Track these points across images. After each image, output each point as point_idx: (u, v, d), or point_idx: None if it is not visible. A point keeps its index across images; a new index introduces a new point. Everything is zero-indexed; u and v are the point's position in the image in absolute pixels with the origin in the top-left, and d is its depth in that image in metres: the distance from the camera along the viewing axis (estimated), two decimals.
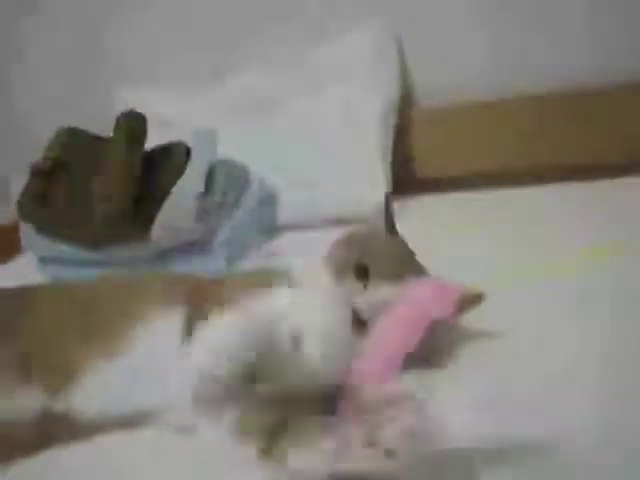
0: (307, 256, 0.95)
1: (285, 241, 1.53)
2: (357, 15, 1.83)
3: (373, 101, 1.71)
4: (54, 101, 2.22)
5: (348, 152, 1.64)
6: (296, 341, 0.78)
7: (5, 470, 0.75)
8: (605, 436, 0.66)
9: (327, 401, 0.74)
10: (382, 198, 1.54)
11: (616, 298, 0.97)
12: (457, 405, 0.68)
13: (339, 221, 1.56)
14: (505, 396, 0.73)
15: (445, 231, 1.29)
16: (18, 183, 1.38)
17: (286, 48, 1.86)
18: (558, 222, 1.34)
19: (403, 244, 0.95)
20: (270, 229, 1.60)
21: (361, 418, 0.64)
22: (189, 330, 0.81)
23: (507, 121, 1.73)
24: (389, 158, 1.70)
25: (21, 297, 0.91)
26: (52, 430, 0.78)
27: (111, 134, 1.38)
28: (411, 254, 0.94)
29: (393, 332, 0.80)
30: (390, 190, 1.63)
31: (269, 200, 1.61)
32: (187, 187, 1.37)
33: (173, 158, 1.42)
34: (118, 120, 1.38)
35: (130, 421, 0.79)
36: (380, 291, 0.85)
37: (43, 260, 1.46)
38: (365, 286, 0.86)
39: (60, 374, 0.79)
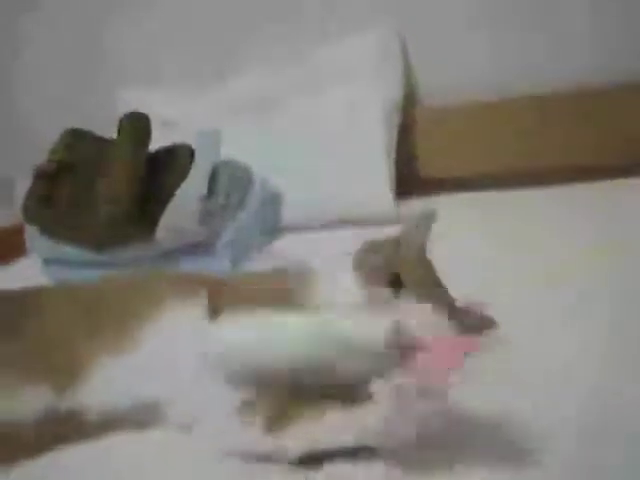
0: (326, 258, 0.94)
1: (289, 242, 1.54)
2: (360, 15, 1.83)
3: (376, 101, 1.71)
4: (56, 101, 2.22)
5: (351, 152, 1.64)
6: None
7: (8, 471, 0.76)
8: (601, 428, 0.67)
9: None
10: (387, 198, 1.59)
11: (616, 299, 0.97)
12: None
13: (342, 222, 1.57)
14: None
15: (448, 231, 1.29)
16: (22, 185, 1.39)
17: (289, 48, 1.86)
18: (560, 223, 1.34)
19: (432, 264, 0.92)
20: (274, 230, 1.61)
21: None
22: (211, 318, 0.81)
23: (510, 121, 1.73)
24: (393, 158, 1.70)
25: (26, 298, 0.91)
26: (57, 429, 0.78)
27: (114, 135, 1.39)
28: (438, 277, 0.91)
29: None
30: (394, 190, 1.63)
31: (272, 201, 1.61)
32: (191, 189, 1.37)
33: (177, 160, 1.42)
34: (122, 121, 1.38)
35: (137, 418, 0.80)
36: (411, 306, 0.82)
37: (47, 262, 1.47)
38: (397, 297, 0.83)
39: (66, 373, 0.79)
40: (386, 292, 0.83)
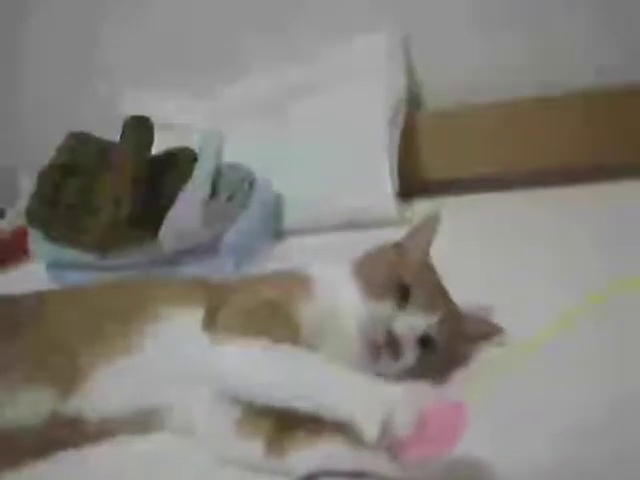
0: (326, 262, 0.93)
1: (291, 245, 1.53)
2: (364, 16, 1.83)
3: (379, 102, 1.70)
4: (57, 103, 2.22)
5: (354, 154, 1.64)
6: None
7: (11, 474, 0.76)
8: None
9: None
10: (390, 200, 1.59)
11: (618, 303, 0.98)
12: None
13: (345, 224, 1.56)
14: None
15: (451, 233, 1.29)
16: (26, 189, 1.39)
17: (292, 49, 1.86)
18: (562, 224, 1.34)
19: (436, 273, 0.91)
20: (276, 233, 1.61)
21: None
22: (209, 325, 0.81)
23: (513, 123, 1.72)
24: (395, 160, 1.70)
25: (28, 302, 0.92)
26: (59, 434, 0.78)
27: (117, 138, 1.39)
28: (440, 281, 0.90)
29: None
30: (397, 192, 1.63)
31: (275, 203, 1.61)
32: (193, 191, 1.37)
33: (180, 162, 1.42)
34: (125, 124, 1.39)
35: (137, 423, 0.80)
36: (417, 318, 0.82)
37: (51, 265, 1.47)
38: (403, 308, 0.82)
39: (67, 378, 0.79)
40: (390, 307, 0.82)
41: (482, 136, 1.76)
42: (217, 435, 0.76)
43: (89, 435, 0.79)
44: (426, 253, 0.91)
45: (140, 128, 1.37)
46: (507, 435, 0.71)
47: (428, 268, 0.90)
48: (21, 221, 1.64)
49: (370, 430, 0.62)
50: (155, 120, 1.44)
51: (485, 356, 0.89)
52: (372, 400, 0.65)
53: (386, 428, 0.62)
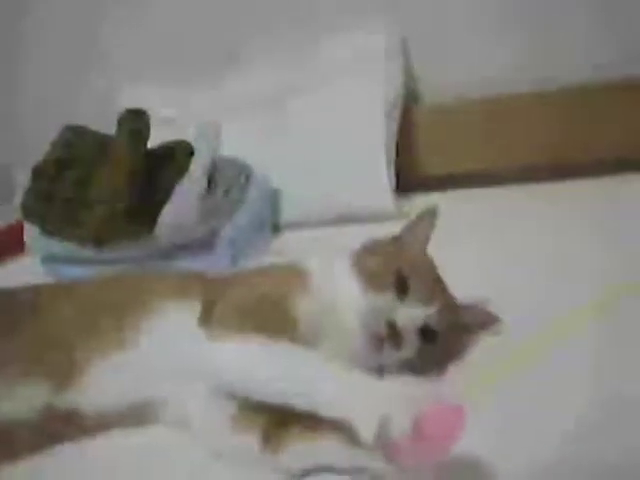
0: (323, 255, 0.93)
1: (288, 239, 1.53)
2: (362, 12, 1.82)
3: (377, 98, 1.70)
4: (54, 98, 2.21)
5: (351, 149, 1.63)
6: None
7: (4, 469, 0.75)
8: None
9: None
10: (387, 195, 1.59)
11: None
12: None
13: (342, 218, 1.56)
14: None
15: (448, 228, 1.30)
16: (21, 183, 1.38)
17: (290, 45, 1.85)
18: (560, 218, 1.34)
19: (434, 266, 0.91)
20: (273, 227, 1.60)
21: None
22: (205, 320, 0.81)
23: (511, 118, 1.72)
24: (393, 155, 1.70)
25: (24, 296, 0.91)
26: (55, 427, 0.78)
27: (113, 131, 1.39)
28: (438, 274, 0.90)
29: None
30: (394, 187, 1.62)
31: (272, 198, 1.61)
32: (190, 185, 1.37)
33: (176, 156, 1.42)
34: (121, 118, 1.38)
35: (133, 417, 0.80)
36: (416, 309, 0.82)
37: (46, 260, 1.46)
38: (402, 300, 0.83)
39: (63, 371, 0.79)
40: (390, 298, 0.82)
41: (479, 131, 1.76)
42: (212, 430, 0.76)
43: (85, 428, 0.79)
44: (424, 246, 0.91)
45: (136, 121, 1.36)
46: (506, 434, 0.71)
47: (426, 261, 0.91)
48: (17, 216, 1.63)
49: (366, 430, 0.62)
50: (152, 114, 1.43)
51: (484, 353, 0.89)
52: (369, 400, 0.64)
53: (383, 429, 0.61)
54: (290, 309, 0.81)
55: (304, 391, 0.68)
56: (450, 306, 0.87)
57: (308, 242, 1.45)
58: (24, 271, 1.47)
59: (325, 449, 0.69)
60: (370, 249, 0.91)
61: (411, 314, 0.82)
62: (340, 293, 0.85)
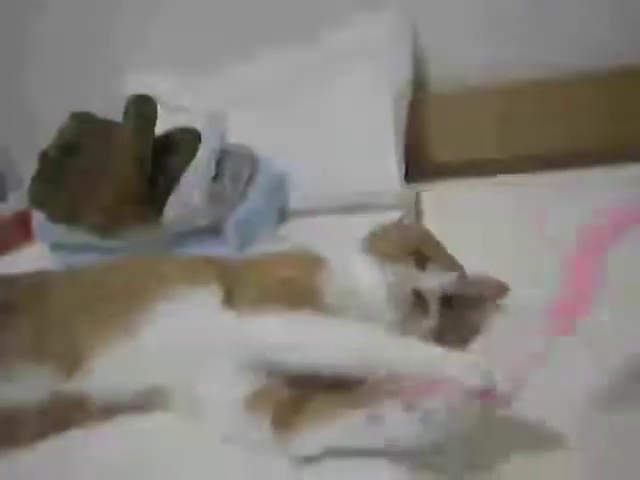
0: (333, 245, 0.93)
1: (296, 226, 1.52)
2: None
3: (386, 85, 1.69)
4: (63, 84, 2.21)
5: (360, 137, 1.63)
6: None
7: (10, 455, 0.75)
8: None
9: None
10: (396, 182, 1.58)
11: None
12: None
13: (350, 206, 1.55)
14: None
15: (455, 217, 1.29)
16: (28, 170, 1.38)
17: (297, 31, 1.83)
18: (567, 206, 1.32)
19: (439, 241, 0.95)
20: (281, 214, 1.60)
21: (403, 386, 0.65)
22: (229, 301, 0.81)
23: (520, 106, 1.70)
24: (402, 142, 1.68)
25: (31, 282, 0.91)
26: (61, 413, 0.78)
27: (121, 118, 1.38)
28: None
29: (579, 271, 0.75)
30: (403, 174, 1.61)
31: (280, 185, 1.60)
32: (198, 171, 1.37)
33: (184, 142, 1.41)
34: (128, 104, 1.37)
35: (141, 403, 0.79)
36: (437, 277, 0.85)
37: (55, 247, 1.46)
38: (422, 270, 0.86)
39: (70, 357, 0.79)
40: (411, 269, 0.86)
41: (489, 119, 1.75)
42: (224, 412, 0.75)
43: (91, 415, 0.79)
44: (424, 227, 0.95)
45: (144, 106, 1.35)
46: None
47: (433, 237, 0.94)
48: (24, 204, 1.63)
49: (472, 377, 0.64)
50: (160, 102, 1.42)
51: None
52: (461, 356, 0.69)
53: (488, 377, 0.64)
54: (314, 292, 0.82)
55: (368, 354, 0.70)
56: (464, 275, 0.90)
57: (315, 230, 1.44)
58: (33, 259, 1.47)
59: (342, 432, 0.68)
60: (380, 233, 0.93)
61: (433, 282, 0.85)
62: (360, 277, 0.86)
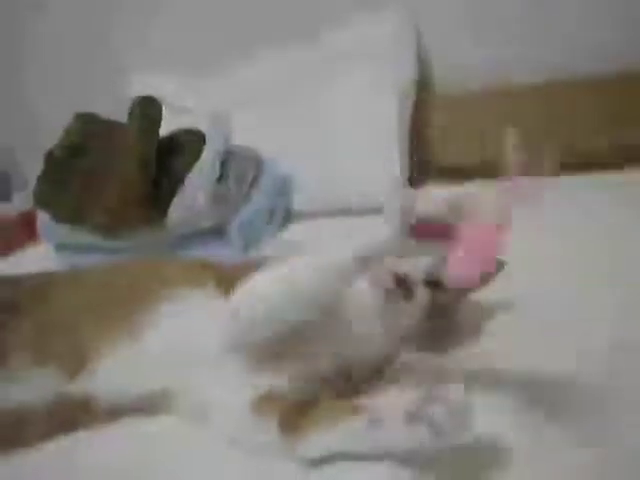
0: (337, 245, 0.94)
1: (299, 229, 1.52)
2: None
3: (390, 86, 1.69)
4: (66, 86, 2.22)
5: (364, 139, 1.62)
6: None
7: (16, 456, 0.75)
8: None
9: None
10: (399, 185, 1.57)
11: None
12: None
13: (354, 208, 1.55)
14: None
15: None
16: (33, 170, 1.39)
17: (301, 31, 1.83)
18: (572, 208, 1.33)
19: None
20: (285, 216, 1.60)
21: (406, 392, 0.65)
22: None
23: (528, 107, 1.70)
24: (406, 145, 1.68)
25: (36, 283, 0.91)
26: (67, 415, 0.78)
27: (125, 119, 1.38)
28: None
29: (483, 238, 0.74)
30: (406, 177, 1.61)
31: (283, 187, 1.60)
32: (202, 173, 1.37)
33: (188, 144, 1.42)
34: (133, 105, 1.37)
35: (146, 406, 0.79)
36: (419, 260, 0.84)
37: (59, 248, 1.47)
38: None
39: (75, 358, 0.79)
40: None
41: (493, 121, 1.74)
42: (231, 415, 0.75)
43: (97, 417, 0.79)
44: None
45: (148, 108, 1.36)
46: None
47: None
48: (29, 204, 1.64)
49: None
50: (165, 103, 1.43)
51: None
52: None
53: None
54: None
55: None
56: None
57: (319, 232, 1.44)
58: (38, 259, 1.47)
59: (344, 436, 0.68)
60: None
61: (414, 264, 0.83)
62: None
